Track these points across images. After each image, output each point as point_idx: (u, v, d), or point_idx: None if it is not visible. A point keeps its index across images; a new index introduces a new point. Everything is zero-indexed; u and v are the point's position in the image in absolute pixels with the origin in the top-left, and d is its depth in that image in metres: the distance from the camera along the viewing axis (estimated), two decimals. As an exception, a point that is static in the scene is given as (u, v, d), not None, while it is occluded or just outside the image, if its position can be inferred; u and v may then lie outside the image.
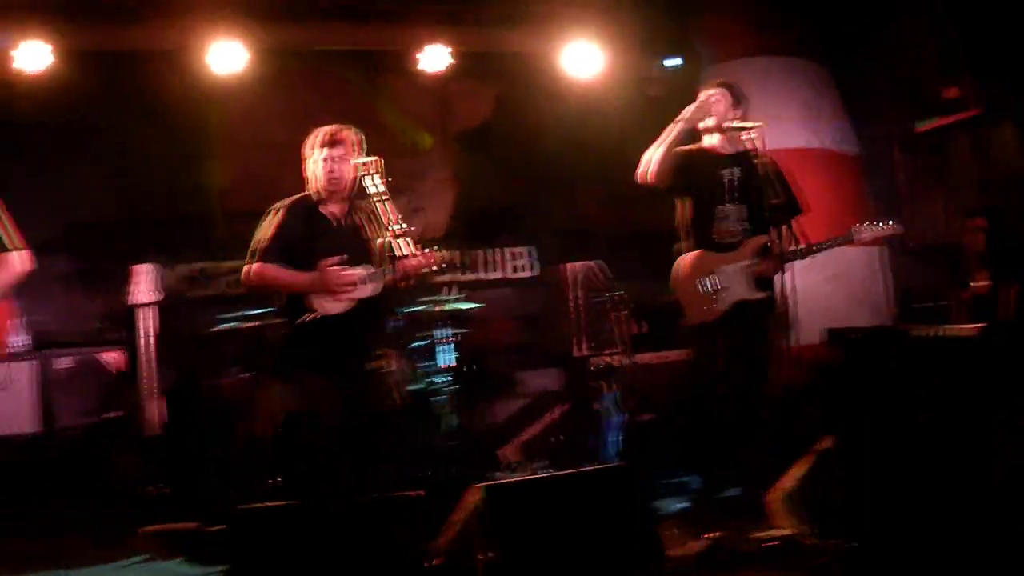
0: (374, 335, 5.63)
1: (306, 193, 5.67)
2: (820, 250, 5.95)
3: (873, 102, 9.17)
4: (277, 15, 8.20)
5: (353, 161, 5.42)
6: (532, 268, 9.39)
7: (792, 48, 8.65)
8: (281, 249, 5.48)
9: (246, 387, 7.28)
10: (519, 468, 7.76)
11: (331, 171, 5.50)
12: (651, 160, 6.18)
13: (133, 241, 8.31)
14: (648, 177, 6.17)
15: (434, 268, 5.66)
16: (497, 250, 9.36)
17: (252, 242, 5.56)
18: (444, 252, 5.68)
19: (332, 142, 5.52)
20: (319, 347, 5.40)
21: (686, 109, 6.10)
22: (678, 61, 9.16)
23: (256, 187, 8.28)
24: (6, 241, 5.57)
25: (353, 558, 3.74)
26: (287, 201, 5.65)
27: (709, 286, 6.07)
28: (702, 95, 6.25)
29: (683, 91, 6.97)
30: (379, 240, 5.52)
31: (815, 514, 4.73)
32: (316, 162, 5.53)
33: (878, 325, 7.71)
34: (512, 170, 9.35)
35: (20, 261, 5.57)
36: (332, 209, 5.61)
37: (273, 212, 5.61)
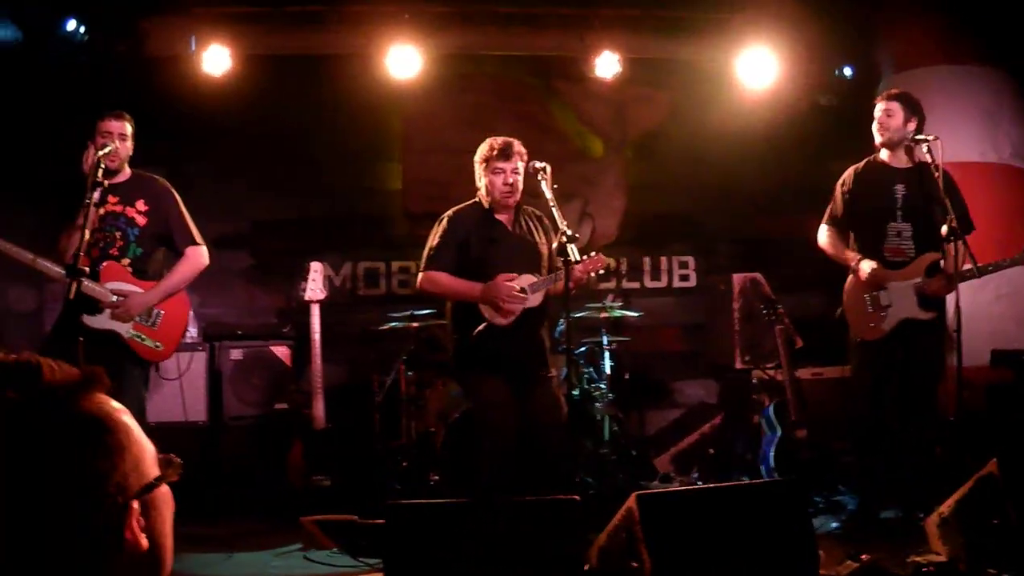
0: (542, 341, 5.73)
1: (475, 200, 5.79)
2: (994, 270, 5.82)
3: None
4: (457, 21, 8.34)
5: (533, 165, 5.48)
6: (696, 277, 9.34)
7: (977, 56, 8.39)
8: (451, 256, 5.61)
9: (415, 385, 7.45)
10: (673, 479, 7.77)
11: (506, 184, 5.58)
12: (822, 246, 6.42)
13: (311, 239, 8.59)
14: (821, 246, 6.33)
15: (601, 271, 5.73)
16: (663, 258, 9.34)
17: (425, 249, 5.71)
18: (608, 258, 5.74)
19: (508, 154, 5.60)
20: (491, 352, 5.52)
21: (862, 268, 6.12)
22: (849, 71, 9.00)
23: (432, 189, 8.47)
24: (194, 235, 5.84)
25: (508, 558, 3.80)
26: (456, 208, 5.79)
27: (877, 303, 6.01)
28: (879, 105, 6.17)
29: (857, 101, 6.88)
30: (554, 244, 5.62)
31: (974, 541, 4.64)
32: (493, 173, 5.61)
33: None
34: (682, 178, 9.31)
35: (203, 255, 5.83)
36: (502, 217, 5.72)
37: (442, 220, 5.75)
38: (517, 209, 5.75)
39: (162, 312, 5.63)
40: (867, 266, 6.02)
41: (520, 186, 5.63)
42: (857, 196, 6.21)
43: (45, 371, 1.37)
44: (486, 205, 5.71)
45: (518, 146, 5.66)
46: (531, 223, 5.80)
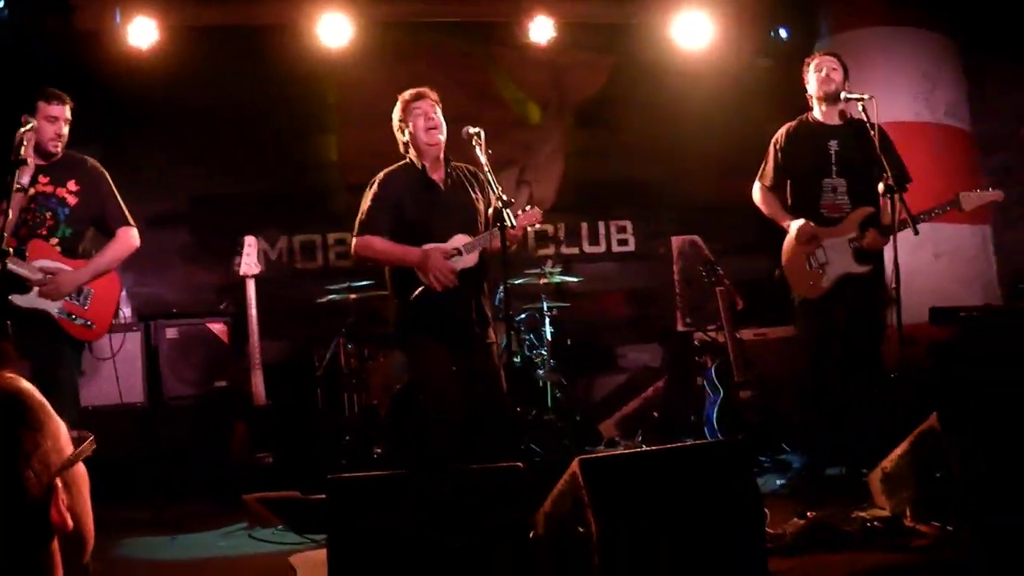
0: (481, 302, 5.64)
1: (405, 162, 5.70)
2: (925, 219, 5.82)
3: (1001, 76, 8.93)
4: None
5: (467, 130, 5.35)
6: (635, 242, 9.34)
7: (917, 20, 8.46)
8: (385, 219, 5.51)
9: (355, 358, 7.38)
10: (619, 443, 7.77)
11: (429, 119, 5.50)
12: (757, 203, 6.41)
13: (248, 214, 8.46)
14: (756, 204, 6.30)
15: (537, 225, 5.69)
16: (601, 223, 9.32)
17: (358, 214, 5.62)
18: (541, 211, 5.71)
19: (420, 95, 5.56)
20: (431, 315, 5.43)
21: (793, 226, 6.14)
22: (785, 33, 9.01)
23: (370, 160, 8.36)
24: (126, 216, 5.74)
25: (454, 528, 3.76)
26: (386, 171, 5.68)
27: (814, 261, 6.03)
28: (812, 65, 6.18)
29: (792, 62, 6.88)
30: (488, 209, 5.56)
31: (917, 495, 4.66)
32: (412, 117, 5.54)
33: (987, 304, 7.53)
34: (620, 143, 9.31)
35: (134, 237, 5.74)
36: (434, 176, 5.61)
37: (373, 183, 5.65)
38: (447, 165, 5.65)
39: (92, 291, 5.54)
40: (795, 225, 6.07)
41: (443, 126, 5.54)
42: (791, 154, 6.23)
43: None
44: (418, 165, 5.61)
45: (429, 90, 5.62)
46: (464, 180, 5.71)
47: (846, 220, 6.03)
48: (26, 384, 1.39)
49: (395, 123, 5.68)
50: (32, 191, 5.36)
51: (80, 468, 1.44)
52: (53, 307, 5.39)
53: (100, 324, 5.60)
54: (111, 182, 5.76)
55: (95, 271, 5.56)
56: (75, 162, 5.65)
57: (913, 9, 8.48)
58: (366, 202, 5.58)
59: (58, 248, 5.48)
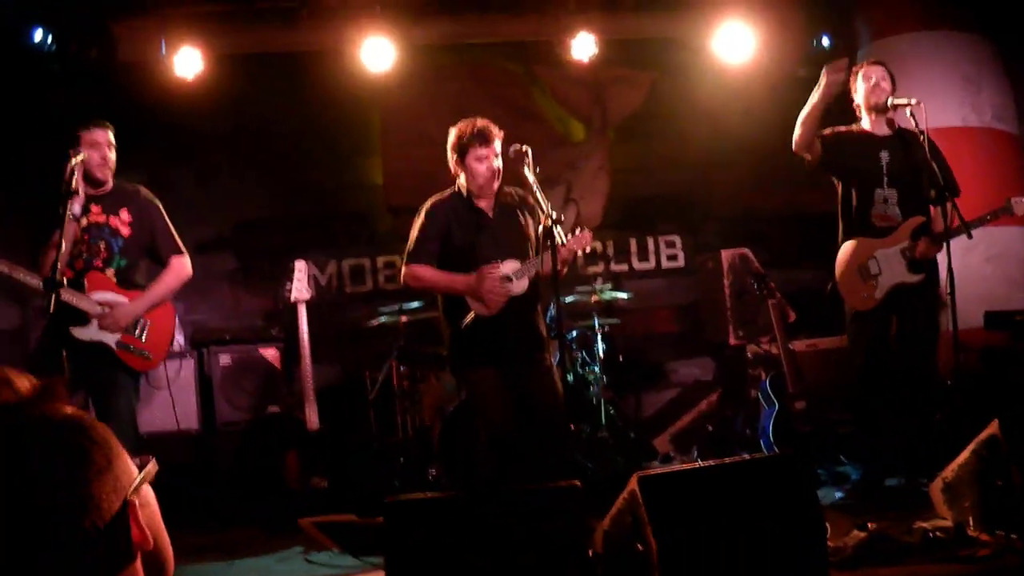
0: (535, 326, 5.65)
1: (453, 190, 5.69)
2: (977, 225, 5.75)
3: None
4: (431, 10, 8.30)
5: (516, 149, 5.38)
6: (684, 257, 9.31)
7: (956, 22, 8.39)
8: (433, 248, 5.52)
9: (407, 380, 7.40)
10: (674, 459, 7.73)
11: (489, 170, 5.46)
12: (796, 127, 6.10)
13: (295, 239, 8.51)
14: (794, 146, 6.09)
15: (588, 249, 5.66)
16: (650, 239, 9.30)
17: (407, 243, 5.64)
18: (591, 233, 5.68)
19: (487, 137, 5.47)
20: (483, 342, 5.44)
21: (827, 74, 5.92)
22: (827, 41, 8.96)
23: (414, 182, 8.41)
24: (178, 245, 5.78)
25: (512, 548, 3.75)
26: (433, 200, 5.67)
27: (867, 273, 5.98)
28: (861, 73, 6.13)
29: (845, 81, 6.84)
30: (539, 228, 5.54)
31: (980, 504, 4.61)
32: (476, 160, 5.47)
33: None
34: (666, 158, 9.30)
35: (187, 265, 5.79)
36: (482, 203, 5.61)
37: (420, 212, 5.65)
38: (499, 192, 5.64)
39: (149, 322, 5.56)
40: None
41: (500, 171, 5.51)
42: (843, 153, 6.11)
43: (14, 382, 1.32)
44: (465, 193, 5.61)
45: (493, 127, 5.54)
46: (514, 206, 5.70)
47: (898, 230, 5.96)
48: (81, 413, 1.40)
49: (452, 151, 5.61)
50: (85, 222, 5.40)
51: (148, 491, 1.44)
52: (111, 339, 5.43)
53: (157, 354, 5.63)
54: (163, 211, 5.79)
55: (151, 302, 5.59)
56: (127, 192, 5.69)
57: (950, 11, 8.41)
58: (414, 231, 5.59)
59: (114, 279, 5.52)
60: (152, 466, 1.44)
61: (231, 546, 6.10)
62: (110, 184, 5.63)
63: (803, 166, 6.26)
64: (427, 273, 5.51)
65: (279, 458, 6.82)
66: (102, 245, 5.52)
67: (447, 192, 5.70)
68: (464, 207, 5.60)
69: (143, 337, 5.53)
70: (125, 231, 5.58)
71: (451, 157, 5.63)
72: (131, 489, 1.34)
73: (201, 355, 7.49)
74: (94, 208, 5.50)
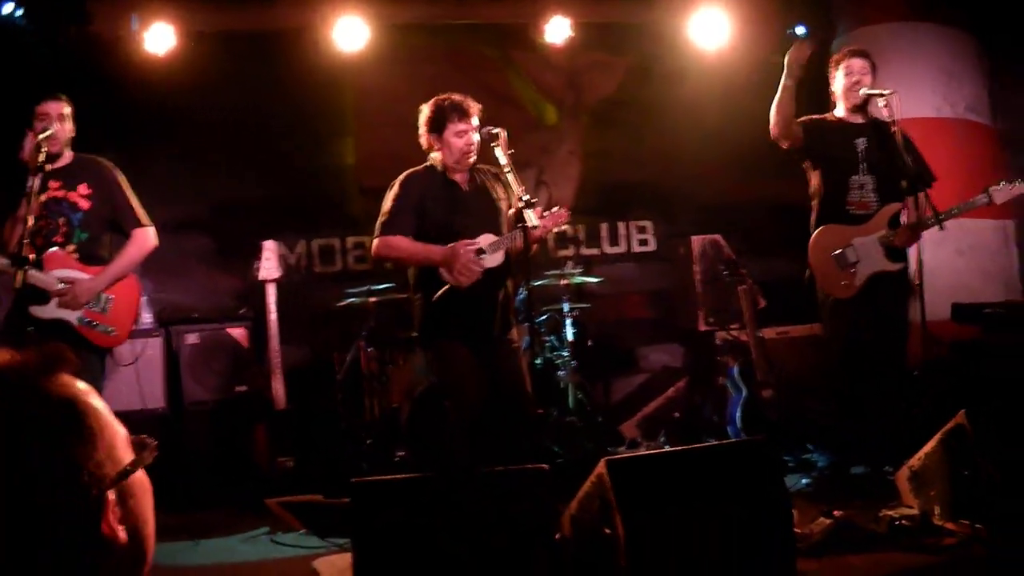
0: (507, 301, 5.63)
1: (427, 164, 5.67)
2: (956, 214, 5.78)
3: (1021, 73, 8.89)
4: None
5: (488, 130, 5.36)
6: (655, 242, 9.32)
7: (937, 14, 8.41)
8: (408, 220, 5.47)
9: (376, 362, 7.37)
10: (641, 444, 7.75)
11: (469, 144, 5.45)
12: (771, 114, 6.13)
13: (267, 219, 8.44)
14: (771, 132, 6.11)
15: (564, 225, 5.65)
16: (621, 224, 9.30)
17: (379, 215, 5.59)
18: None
19: (465, 112, 5.47)
20: (455, 315, 5.41)
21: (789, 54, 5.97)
22: (803, 30, 8.94)
23: (387, 163, 8.34)
24: (140, 217, 5.72)
25: (479, 530, 3.75)
26: (407, 172, 5.64)
27: (845, 260, 5.98)
28: (843, 65, 6.13)
29: (809, 59, 6.83)
30: (510, 210, 5.52)
31: (946, 493, 4.63)
32: (456, 136, 5.46)
33: (1010, 300, 7.47)
34: (639, 143, 9.28)
35: (150, 237, 5.73)
36: (456, 177, 5.59)
37: (394, 184, 5.61)
38: (472, 167, 5.62)
39: (112, 297, 5.52)
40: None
41: (478, 144, 5.49)
42: (820, 140, 6.12)
43: None
44: (440, 168, 5.59)
45: (471, 100, 5.55)
46: (487, 180, 5.68)
47: (875, 217, 5.96)
48: (82, 388, 1.36)
49: (425, 124, 5.61)
50: (43, 197, 5.32)
51: (140, 477, 1.40)
52: (73, 316, 5.39)
53: (121, 330, 5.59)
54: (124, 181, 5.74)
55: (112, 277, 5.54)
56: (86, 164, 5.64)
57: (933, 5, 8.44)
58: (388, 202, 5.54)
59: (75, 255, 5.47)
60: (147, 453, 1.40)
61: (197, 526, 6.06)
62: (68, 157, 5.57)
63: (783, 153, 6.26)
64: (402, 243, 5.44)
65: (246, 438, 6.81)
66: (61, 220, 5.48)
67: (421, 166, 5.67)
68: (439, 181, 5.57)
69: (106, 312, 5.49)
70: (84, 204, 5.53)
71: (424, 133, 5.61)
72: (109, 482, 1.31)
73: (169, 333, 7.42)
74: (52, 183, 5.44)
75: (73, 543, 1.26)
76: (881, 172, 6.00)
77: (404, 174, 5.63)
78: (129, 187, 5.74)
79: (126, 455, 1.36)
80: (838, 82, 6.15)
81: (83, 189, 5.53)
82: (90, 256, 5.54)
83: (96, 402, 1.35)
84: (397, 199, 5.51)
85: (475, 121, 5.49)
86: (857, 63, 6.08)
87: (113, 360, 6.34)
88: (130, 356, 6.83)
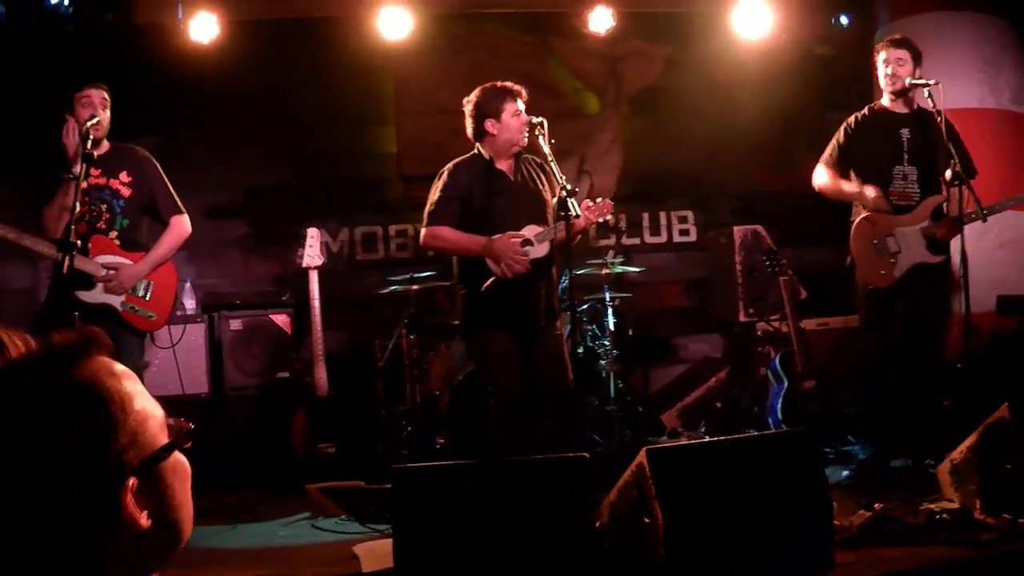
0: (550, 292, 5.65)
1: (474, 153, 5.69)
2: (998, 210, 5.75)
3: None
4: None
5: (530, 119, 5.41)
6: (696, 232, 9.29)
7: (978, 4, 8.33)
8: (454, 210, 5.51)
9: (417, 349, 7.41)
10: (681, 434, 7.74)
11: (522, 121, 5.47)
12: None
13: (309, 206, 8.51)
14: (814, 185, 6.23)
15: (608, 216, 5.66)
16: (662, 213, 9.28)
17: (426, 205, 5.63)
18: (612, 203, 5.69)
19: (517, 95, 5.53)
20: (500, 305, 5.44)
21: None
22: (846, 20, 8.89)
23: (427, 151, 8.38)
24: (177, 204, 5.80)
25: (518, 518, 3.76)
26: (455, 162, 5.67)
27: (885, 250, 5.95)
28: (882, 54, 6.09)
29: (853, 50, 6.81)
30: (553, 199, 5.54)
31: (987, 487, 4.60)
32: (511, 117, 5.49)
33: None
34: (680, 133, 9.26)
35: (186, 224, 5.81)
36: (502, 166, 5.61)
37: (442, 174, 5.64)
38: (517, 157, 5.64)
39: (152, 283, 5.62)
40: (871, 190, 5.95)
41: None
42: (862, 140, 6.13)
43: (7, 346, 1.30)
44: (486, 156, 5.61)
45: (524, 90, 5.60)
46: (532, 171, 5.70)
47: (918, 208, 5.94)
48: (118, 370, 1.37)
49: (475, 108, 5.61)
50: (84, 184, 5.38)
51: (175, 462, 1.40)
52: (117, 301, 5.48)
53: (161, 314, 5.69)
54: (161, 170, 5.82)
55: (154, 262, 5.64)
56: (125, 152, 5.71)
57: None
58: (435, 192, 5.57)
59: (117, 241, 5.56)
60: (181, 437, 1.41)
61: (237, 510, 6.11)
62: (106, 145, 5.64)
63: (824, 144, 6.29)
64: (448, 234, 5.50)
65: (287, 423, 6.84)
66: (104, 207, 5.56)
67: (467, 156, 5.70)
68: (484, 170, 5.59)
69: (147, 297, 5.60)
70: (126, 192, 5.62)
71: (472, 121, 5.63)
72: (133, 468, 1.32)
73: (212, 319, 7.49)
74: (93, 171, 5.49)
75: (88, 528, 1.28)
76: (924, 163, 5.97)
77: (452, 163, 5.66)
78: (165, 175, 5.81)
79: (160, 438, 1.37)
80: (880, 72, 6.11)
81: (124, 176, 5.61)
82: (131, 242, 5.62)
83: (129, 386, 1.36)
84: (445, 189, 5.55)
85: (522, 104, 5.53)
86: (893, 52, 6.04)
87: (155, 344, 6.41)
88: (168, 340, 6.88)
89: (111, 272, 5.44)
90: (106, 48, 7.58)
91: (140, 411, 1.34)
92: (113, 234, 5.55)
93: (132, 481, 1.30)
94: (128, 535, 1.31)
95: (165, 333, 6.63)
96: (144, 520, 1.32)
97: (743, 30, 8.43)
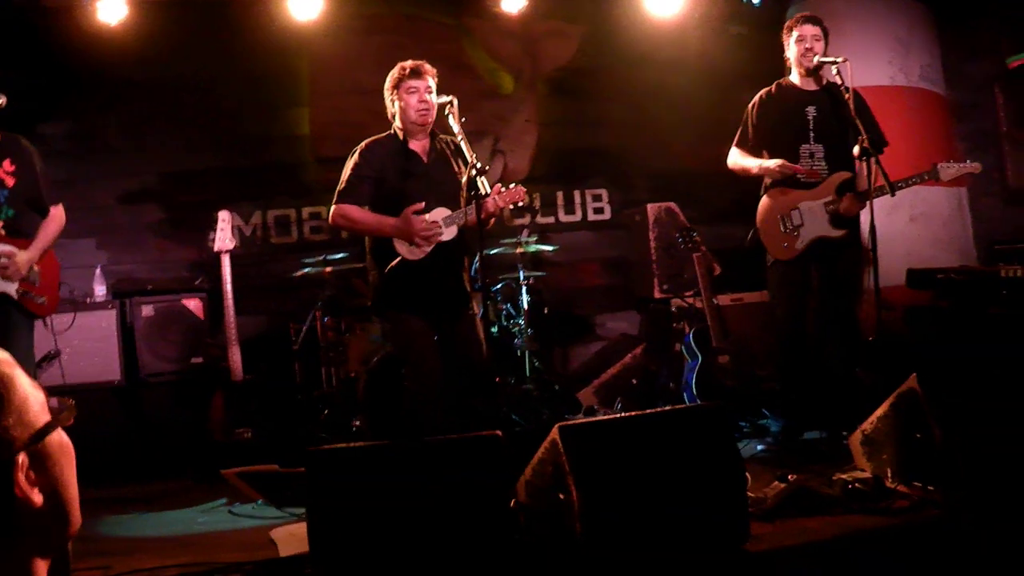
0: (460, 276, 5.64)
1: (389, 132, 5.67)
2: (903, 187, 5.82)
3: (974, 40, 8.96)
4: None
5: (436, 100, 5.41)
6: (611, 210, 9.33)
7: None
8: (365, 189, 5.50)
9: (333, 331, 7.36)
10: (598, 411, 7.77)
11: (422, 101, 5.47)
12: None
13: (222, 190, 8.41)
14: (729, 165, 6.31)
15: (520, 204, 5.66)
16: (576, 192, 9.31)
17: (338, 183, 5.60)
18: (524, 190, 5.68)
19: (420, 72, 5.50)
20: (409, 288, 5.43)
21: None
22: (756, -1, 8.96)
23: (344, 132, 8.32)
24: (55, 193, 5.78)
25: (434, 498, 3.75)
26: (368, 140, 5.65)
27: (789, 223, 6.03)
28: (795, 31, 6.14)
29: (764, 28, 6.86)
30: (463, 178, 5.53)
31: (898, 457, 4.67)
32: (407, 92, 5.50)
33: (964, 266, 7.54)
34: (596, 112, 9.29)
35: (64, 214, 5.80)
36: (416, 146, 5.60)
37: (354, 152, 5.61)
38: (432, 138, 5.65)
39: (39, 269, 5.60)
40: (775, 161, 6.02)
41: (435, 107, 5.50)
42: (768, 120, 6.20)
43: None
44: (401, 136, 5.60)
45: (428, 65, 5.57)
46: (448, 152, 5.69)
47: (823, 184, 6.01)
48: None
49: (386, 91, 5.63)
50: None
51: (58, 438, 1.41)
52: (11, 288, 5.44)
53: (51, 299, 5.70)
54: (42, 159, 5.76)
55: (42, 249, 5.63)
56: (8, 140, 5.61)
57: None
58: (346, 171, 5.56)
59: (3, 231, 5.48)
60: (65, 415, 1.41)
61: (155, 497, 6.09)
62: None
63: (737, 121, 6.33)
64: (357, 213, 5.49)
65: (203, 409, 6.78)
66: None
67: (383, 135, 5.68)
68: (399, 150, 5.59)
69: (37, 283, 5.57)
70: (10, 181, 5.54)
71: (386, 96, 5.63)
72: (19, 445, 1.31)
73: (124, 305, 7.37)
74: None
75: None
76: (831, 140, 6.04)
77: (365, 142, 5.64)
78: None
79: (41, 418, 1.37)
80: (791, 49, 6.16)
81: (7, 165, 5.54)
82: (16, 231, 5.55)
83: (8, 369, 1.36)
84: (356, 167, 5.53)
85: (431, 82, 5.52)
86: (808, 29, 6.09)
87: (49, 329, 6.32)
88: (64, 324, 6.78)
89: (7, 260, 5.37)
90: (14, 30, 7.42)
91: (22, 391, 1.35)
92: None
93: (22, 458, 1.30)
94: (23, 514, 1.30)
95: (61, 320, 6.56)
96: (37, 496, 1.32)
97: (656, 9, 8.46)
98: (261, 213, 8.61)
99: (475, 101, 7.67)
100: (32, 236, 5.59)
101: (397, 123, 5.62)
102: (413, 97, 5.48)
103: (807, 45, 6.07)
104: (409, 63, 5.55)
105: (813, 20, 6.17)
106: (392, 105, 5.61)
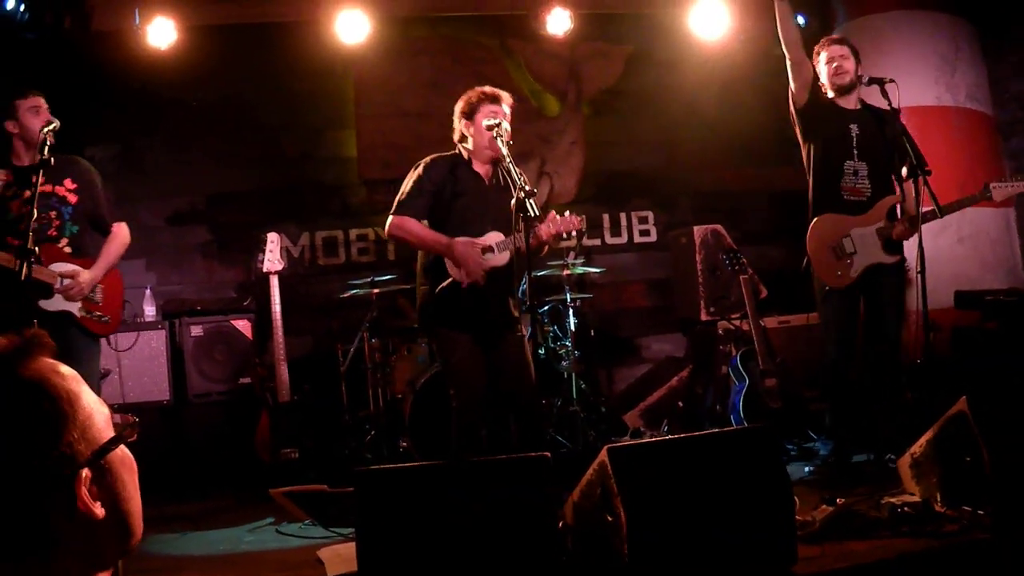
0: (508, 300, 5.64)
1: (454, 151, 5.66)
2: (955, 209, 5.78)
3: (1020, 56, 8.89)
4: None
5: (490, 122, 5.37)
6: (656, 232, 9.33)
7: (935, 2, 8.41)
8: (423, 203, 5.47)
9: (379, 352, 7.40)
10: (644, 433, 7.76)
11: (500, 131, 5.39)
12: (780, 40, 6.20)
13: (269, 212, 8.49)
14: (788, 65, 6.19)
15: (574, 233, 5.65)
16: (622, 214, 9.31)
17: (397, 194, 5.58)
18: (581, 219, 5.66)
19: (496, 98, 5.52)
20: (456, 308, 5.42)
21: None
22: (803, 20, 8.94)
23: (389, 154, 8.38)
24: (115, 212, 5.83)
25: (481, 519, 3.76)
26: (434, 156, 5.64)
27: (841, 251, 5.98)
28: (823, 53, 6.13)
29: (809, 50, 6.83)
30: (512, 201, 5.52)
31: (947, 480, 4.64)
32: (480, 119, 5.45)
33: (1012, 287, 7.47)
34: (640, 133, 9.31)
35: (127, 231, 5.85)
36: (480, 168, 5.59)
37: (418, 166, 5.59)
38: (497, 166, 5.62)
39: (102, 287, 5.65)
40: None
41: (509, 132, 5.40)
42: (818, 114, 6.13)
43: None
44: (466, 156, 5.59)
45: (508, 95, 5.59)
46: (508, 179, 5.67)
47: (873, 209, 5.95)
48: (56, 371, 1.39)
49: (459, 112, 5.61)
50: (28, 193, 5.35)
51: (121, 453, 1.44)
52: (75, 307, 5.48)
53: (114, 317, 5.73)
54: (101, 178, 5.83)
55: (106, 268, 5.66)
56: (67, 160, 5.65)
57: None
58: (408, 183, 5.53)
59: (68, 249, 5.55)
60: (128, 431, 1.44)
61: (202, 516, 6.12)
62: (46, 153, 5.61)
63: (781, 142, 6.26)
64: (413, 226, 5.44)
65: (250, 429, 6.82)
66: (52, 214, 5.54)
67: (449, 152, 5.67)
68: (461, 169, 5.57)
69: (100, 301, 5.62)
70: (72, 198, 5.61)
71: (458, 122, 5.61)
72: (84, 460, 1.34)
73: (173, 326, 7.45)
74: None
75: (47, 518, 1.30)
76: (874, 159, 5.99)
77: (429, 157, 5.63)
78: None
79: (106, 434, 1.40)
80: (823, 74, 6.14)
81: (68, 183, 5.59)
82: (79, 250, 5.61)
83: (75, 384, 1.39)
84: (418, 181, 5.51)
85: (506, 108, 5.52)
86: (836, 49, 6.09)
87: (112, 348, 6.39)
88: (126, 344, 6.85)
89: (71, 280, 5.42)
90: (64, 55, 7.53)
91: (87, 407, 1.38)
92: (64, 241, 5.54)
93: (85, 472, 1.33)
94: (84, 526, 1.33)
95: (125, 339, 6.62)
96: (99, 510, 1.35)
97: (701, 31, 8.47)
98: (309, 235, 8.68)
99: (519, 123, 7.61)
100: (95, 255, 5.65)
101: (468, 145, 5.60)
102: (490, 123, 5.37)
103: (836, 63, 6.06)
104: (487, 89, 5.55)
105: (839, 41, 6.18)
106: (466, 128, 5.58)
